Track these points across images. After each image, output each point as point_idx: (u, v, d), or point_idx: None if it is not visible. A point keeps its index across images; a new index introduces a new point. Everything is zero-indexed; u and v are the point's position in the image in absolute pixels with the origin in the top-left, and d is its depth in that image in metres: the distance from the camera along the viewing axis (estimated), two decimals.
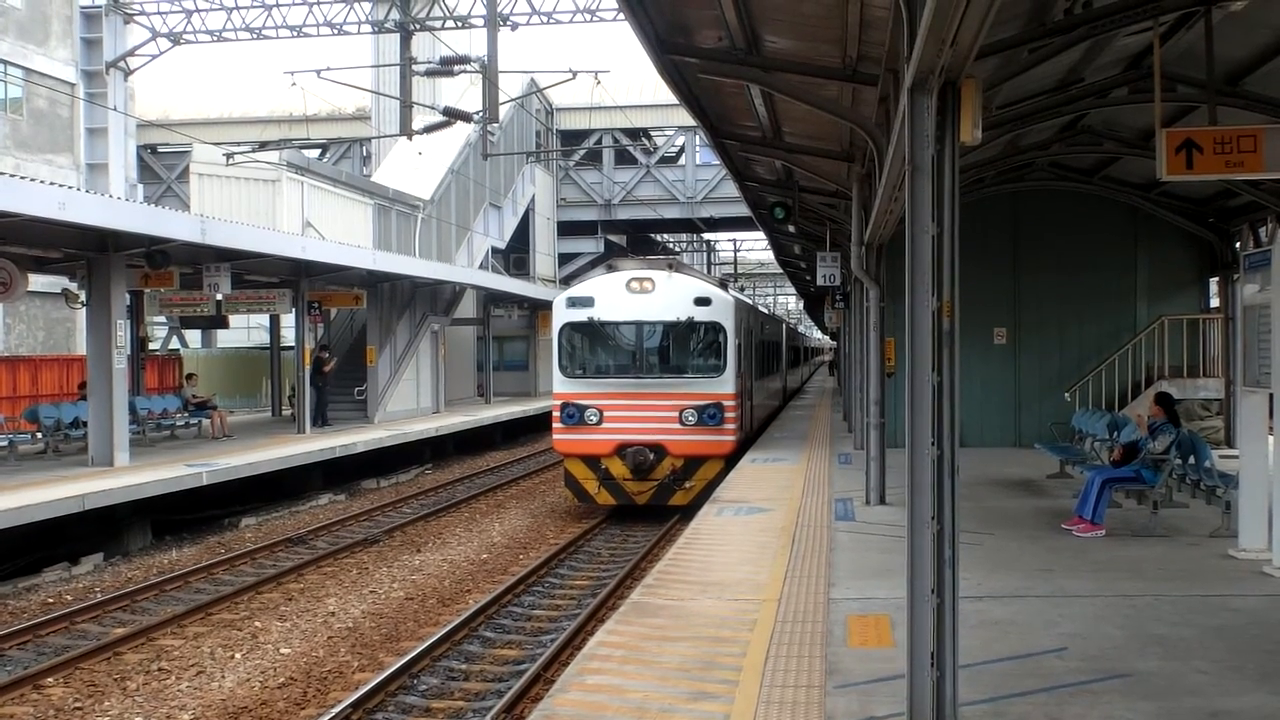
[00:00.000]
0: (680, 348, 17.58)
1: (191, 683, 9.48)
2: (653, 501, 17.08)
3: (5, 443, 18.17)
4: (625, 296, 17.30)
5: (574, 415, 17.10)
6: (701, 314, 17.20)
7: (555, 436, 17.61)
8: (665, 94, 18.09)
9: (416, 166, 35.62)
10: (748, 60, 10.59)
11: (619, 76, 38.84)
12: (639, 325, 17.26)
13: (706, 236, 63.02)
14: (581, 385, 17.26)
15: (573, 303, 17.55)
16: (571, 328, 17.48)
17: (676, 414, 16.96)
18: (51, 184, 15.75)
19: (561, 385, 17.41)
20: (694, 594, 9.00)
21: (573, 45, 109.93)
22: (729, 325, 17.26)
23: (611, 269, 18.26)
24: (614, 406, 17.08)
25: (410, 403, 29.05)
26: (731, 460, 17.52)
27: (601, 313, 17.29)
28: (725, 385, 17.14)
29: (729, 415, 17.05)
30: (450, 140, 35.52)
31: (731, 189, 32.21)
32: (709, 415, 16.93)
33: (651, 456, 16.91)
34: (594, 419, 17.05)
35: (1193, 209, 18.67)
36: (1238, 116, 10.38)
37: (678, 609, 8.50)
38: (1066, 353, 19.49)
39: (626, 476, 17.01)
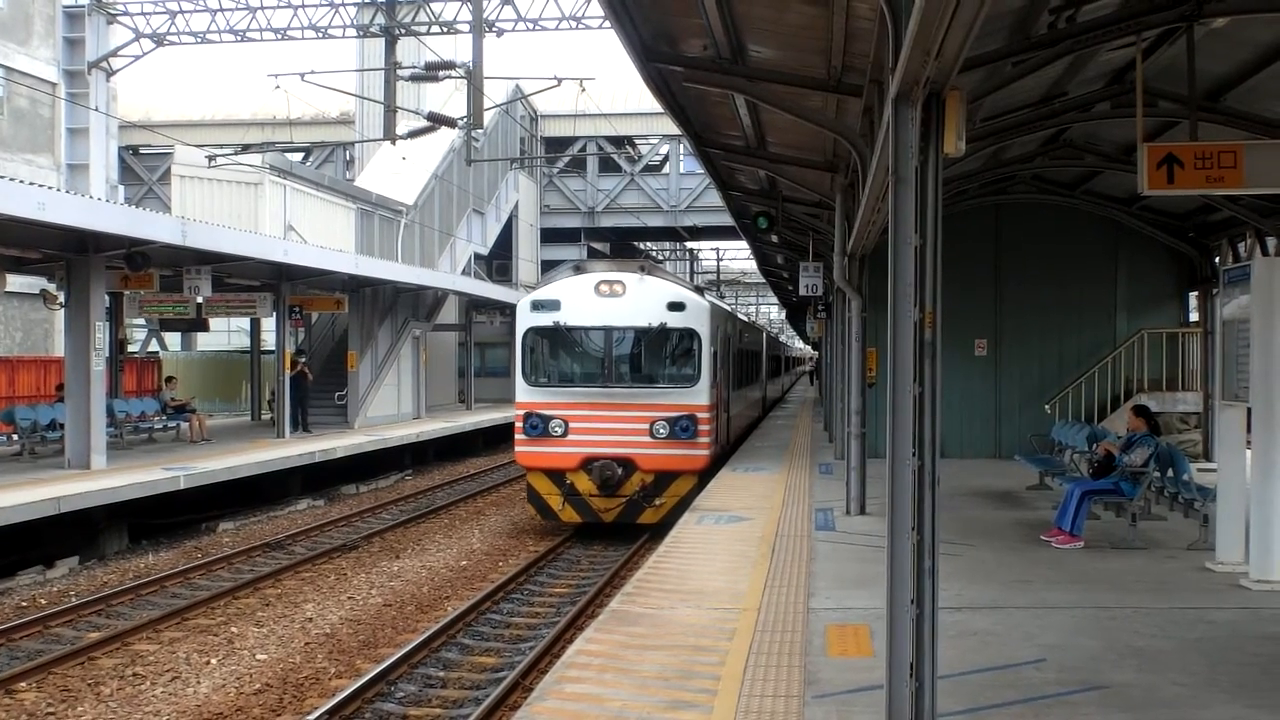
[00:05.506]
0: (652, 355, 16.49)
1: (166, 688, 9.40)
2: (621, 519, 16.08)
3: None
4: (594, 300, 16.20)
5: (538, 426, 16.05)
6: (675, 320, 16.09)
7: (518, 449, 16.56)
8: (650, 102, 18.01)
9: (400, 171, 35.51)
10: (732, 69, 10.61)
11: (604, 84, 38.83)
12: (608, 331, 16.12)
13: (690, 245, 63.07)
14: (546, 394, 16.19)
15: (537, 306, 16.43)
16: (536, 332, 16.37)
17: (647, 426, 15.89)
18: (31, 184, 15.62)
19: (525, 394, 16.33)
20: (673, 602, 8.99)
21: (558, 52, 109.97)
22: (704, 332, 16.31)
23: (579, 270, 17.25)
24: (580, 417, 16.04)
25: (391, 408, 28.95)
26: (705, 476, 16.68)
27: (568, 317, 16.20)
28: (699, 396, 16.20)
29: (703, 428, 16.15)
30: (434, 145, 35.43)
31: (715, 198, 32.28)
32: (681, 428, 15.97)
33: (620, 471, 15.86)
34: (559, 430, 16.00)
35: (1173, 224, 18.80)
36: (1219, 132, 10.48)
37: (657, 617, 8.49)
38: (1047, 365, 19.59)
39: (593, 492, 15.98)
